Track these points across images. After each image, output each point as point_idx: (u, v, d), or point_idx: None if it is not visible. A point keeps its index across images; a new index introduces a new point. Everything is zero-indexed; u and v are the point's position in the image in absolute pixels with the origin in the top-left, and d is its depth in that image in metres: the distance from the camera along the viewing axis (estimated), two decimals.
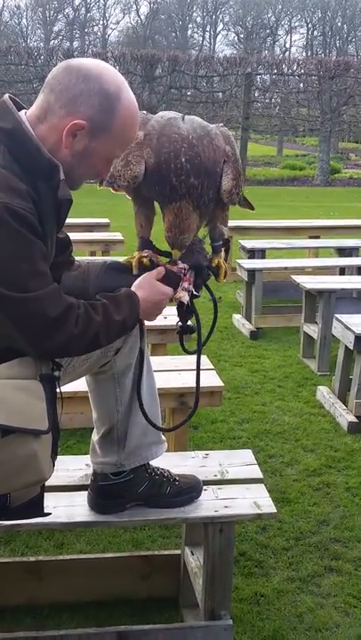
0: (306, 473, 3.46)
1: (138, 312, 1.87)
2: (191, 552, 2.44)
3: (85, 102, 1.69)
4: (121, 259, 2.10)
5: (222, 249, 2.10)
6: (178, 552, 2.59)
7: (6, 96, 1.74)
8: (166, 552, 2.68)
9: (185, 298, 1.95)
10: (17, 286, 1.62)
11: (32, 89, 18.39)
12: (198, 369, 2.10)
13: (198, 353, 2.08)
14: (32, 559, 2.60)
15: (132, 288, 1.90)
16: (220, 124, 2.04)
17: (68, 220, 1.86)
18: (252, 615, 2.47)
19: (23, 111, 1.74)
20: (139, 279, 1.93)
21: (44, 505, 1.79)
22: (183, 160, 1.87)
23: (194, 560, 2.40)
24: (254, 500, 2.22)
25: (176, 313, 2.04)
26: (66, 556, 2.67)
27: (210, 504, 2.19)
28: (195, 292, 1.99)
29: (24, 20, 56.04)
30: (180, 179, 1.87)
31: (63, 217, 1.79)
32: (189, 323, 2.05)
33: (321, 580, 2.67)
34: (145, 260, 2.01)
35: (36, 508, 1.76)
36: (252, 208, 2.25)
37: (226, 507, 2.18)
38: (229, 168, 1.97)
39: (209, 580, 2.21)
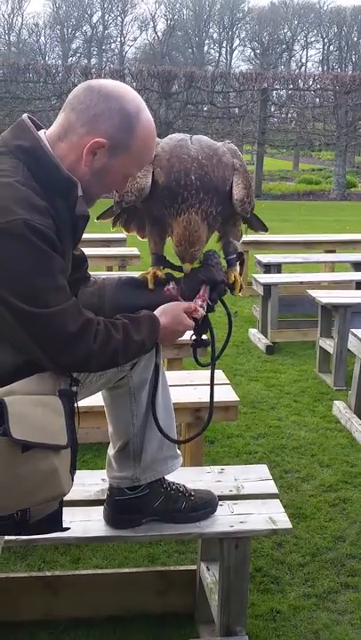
0: (322, 488, 3.45)
1: (157, 336, 1.89)
2: (207, 567, 2.44)
3: (106, 121, 1.71)
4: (136, 274, 2.12)
5: (237, 262, 2.11)
6: (194, 567, 2.59)
7: (25, 115, 1.77)
8: (182, 567, 2.68)
9: (196, 314, 1.96)
10: (37, 301, 1.64)
11: (50, 106, 18.59)
12: (212, 383, 2.11)
13: (212, 367, 2.09)
14: (48, 574, 2.61)
15: (157, 312, 1.91)
16: (228, 141, 2.07)
17: (85, 236, 1.89)
18: (268, 631, 2.45)
19: (42, 131, 1.77)
20: (165, 305, 1.94)
21: (63, 520, 1.80)
22: (193, 178, 1.91)
23: (210, 576, 2.39)
24: (270, 516, 2.22)
25: None
26: (82, 571, 2.67)
27: (225, 519, 2.19)
28: (210, 303, 2.00)
29: (42, 38, 56.84)
30: (191, 193, 1.91)
31: (80, 233, 1.82)
32: (204, 336, 2.07)
33: (337, 596, 2.66)
34: (160, 274, 2.02)
35: (55, 522, 1.77)
36: (266, 229, 2.27)
37: (241, 522, 2.18)
38: (239, 178, 2.00)
39: (225, 596, 2.20)
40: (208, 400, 2.13)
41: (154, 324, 1.88)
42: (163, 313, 1.92)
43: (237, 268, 2.11)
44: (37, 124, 1.78)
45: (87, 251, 2.08)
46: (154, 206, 2.00)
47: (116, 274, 5.39)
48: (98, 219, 2.14)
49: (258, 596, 2.63)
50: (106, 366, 1.83)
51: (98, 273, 2.09)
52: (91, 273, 2.07)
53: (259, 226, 2.25)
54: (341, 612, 2.57)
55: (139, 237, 2.24)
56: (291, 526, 2.22)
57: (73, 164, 1.73)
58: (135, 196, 1.97)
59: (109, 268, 6.55)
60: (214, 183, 1.93)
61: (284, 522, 2.20)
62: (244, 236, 2.21)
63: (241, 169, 2.02)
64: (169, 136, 2.02)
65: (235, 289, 2.08)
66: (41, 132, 1.75)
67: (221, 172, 1.96)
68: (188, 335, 2.07)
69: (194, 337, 2.06)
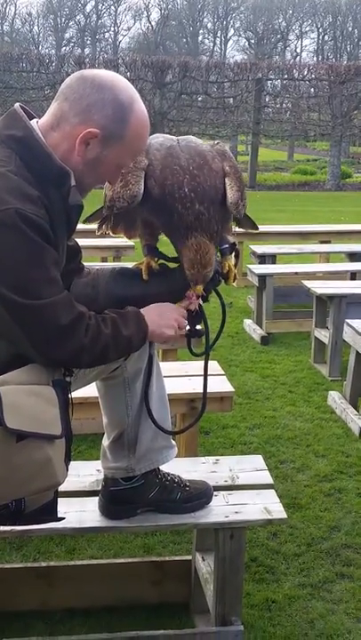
0: (317, 478, 3.45)
1: (145, 331, 1.86)
2: (202, 558, 2.44)
3: (99, 111, 1.70)
4: (130, 264, 2.11)
5: (231, 253, 2.11)
6: (189, 558, 2.59)
7: (17, 105, 1.76)
8: (177, 558, 2.69)
9: (192, 306, 1.96)
10: (29, 293, 1.63)
11: (43, 96, 18.52)
12: (206, 372, 2.11)
13: (206, 356, 2.09)
14: (44, 565, 2.61)
15: (143, 310, 1.89)
16: (217, 142, 2.06)
17: (79, 227, 1.88)
18: (264, 621, 2.46)
19: (35, 120, 1.75)
20: (152, 304, 1.93)
21: (58, 510, 1.80)
22: (187, 190, 1.89)
23: (205, 566, 2.40)
24: (265, 506, 2.22)
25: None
26: (77, 562, 2.67)
27: (220, 510, 2.19)
28: (204, 294, 2.00)
29: (35, 28, 56.47)
30: (186, 206, 1.89)
31: (74, 223, 1.81)
32: (198, 327, 2.06)
33: (332, 585, 2.67)
34: (154, 264, 2.02)
35: (50, 512, 1.77)
36: (256, 228, 2.27)
37: (236, 512, 2.18)
38: (232, 180, 1.98)
39: (220, 586, 2.21)
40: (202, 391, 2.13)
41: (139, 320, 1.86)
42: (147, 310, 1.90)
43: (232, 258, 2.11)
44: (30, 113, 1.77)
45: (81, 241, 2.07)
46: (146, 213, 1.99)
47: (110, 264, 5.37)
48: (85, 221, 2.14)
49: (253, 586, 2.64)
50: (96, 361, 1.82)
51: (92, 263, 2.09)
52: (85, 264, 2.06)
53: (249, 225, 2.24)
54: (337, 602, 2.58)
55: (126, 238, 2.22)
56: (286, 516, 2.22)
57: (65, 154, 1.72)
58: (127, 202, 1.95)
59: (104, 259, 6.54)
60: (208, 193, 1.92)
61: (279, 512, 2.21)
62: (237, 228, 2.21)
63: (232, 171, 1.99)
64: (157, 140, 1.99)
65: (228, 279, 2.07)
66: (33, 122, 1.74)
67: (213, 181, 1.94)
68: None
69: (188, 327, 2.06)
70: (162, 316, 1.91)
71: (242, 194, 2.00)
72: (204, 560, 2.42)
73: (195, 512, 2.16)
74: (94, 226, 2.21)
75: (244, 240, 6.87)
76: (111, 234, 2.22)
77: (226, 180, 1.97)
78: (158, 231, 2.04)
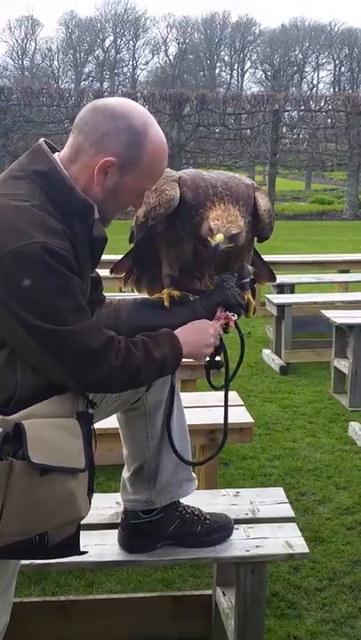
0: (339, 511, 3.40)
1: (179, 351, 1.84)
2: (223, 592, 2.41)
3: (114, 140, 1.72)
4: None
5: (252, 287, 2.12)
6: (209, 592, 2.56)
7: (42, 140, 1.79)
8: (197, 592, 2.65)
9: (225, 322, 1.97)
10: (58, 320, 1.63)
11: (63, 129, 18.79)
12: (226, 404, 2.10)
13: (226, 388, 2.08)
14: (62, 598, 2.58)
15: (178, 330, 1.89)
16: (238, 176, 2.14)
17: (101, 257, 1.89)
18: None
19: (57, 153, 1.78)
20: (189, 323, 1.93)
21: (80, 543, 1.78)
22: (220, 189, 1.95)
23: (225, 601, 2.36)
24: (286, 540, 2.19)
25: None
26: (96, 596, 2.65)
27: (241, 543, 2.16)
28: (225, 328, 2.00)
29: (55, 62, 57.53)
30: (220, 199, 1.94)
31: (98, 255, 1.82)
32: (217, 358, 2.06)
33: (356, 621, 2.61)
34: (176, 294, 2.02)
35: (73, 546, 1.74)
36: (274, 279, 2.30)
37: (257, 546, 2.15)
38: (262, 193, 2.06)
39: (241, 622, 2.17)
40: (222, 422, 2.12)
41: (172, 340, 1.84)
42: (184, 329, 1.89)
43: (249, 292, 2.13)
44: (53, 147, 1.79)
45: (101, 272, 2.08)
46: (178, 223, 2.00)
47: (130, 295, 5.39)
48: (111, 272, 2.18)
49: (274, 622, 2.59)
50: (128, 385, 1.81)
51: (112, 294, 2.10)
52: (105, 294, 2.07)
53: (266, 276, 2.26)
54: (360, 638, 2.52)
55: (148, 295, 2.19)
56: (308, 551, 2.19)
57: (86, 185, 1.74)
58: (165, 207, 1.97)
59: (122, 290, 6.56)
60: (241, 195, 1.97)
61: (300, 546, 2.17)
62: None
63: (260, 188, 2.07)
64: (182, 169, 2.08)
65: (248, 311, 2.08)
66: (56, 155, 1.76)
67: (244, 189, 2.00)
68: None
69: (207, 358, 2.05)
70: (201, 333, 1.91)
71: (272, 205, 2.05)
72: (224, 595, 2.39)
73: (215, 546, 2.14)
74: (114, 257, 2.24)
75: None
76: (135, 291, 2.24)
77: (256, 193, 2.04)
78: (181, 260, 2.04)
